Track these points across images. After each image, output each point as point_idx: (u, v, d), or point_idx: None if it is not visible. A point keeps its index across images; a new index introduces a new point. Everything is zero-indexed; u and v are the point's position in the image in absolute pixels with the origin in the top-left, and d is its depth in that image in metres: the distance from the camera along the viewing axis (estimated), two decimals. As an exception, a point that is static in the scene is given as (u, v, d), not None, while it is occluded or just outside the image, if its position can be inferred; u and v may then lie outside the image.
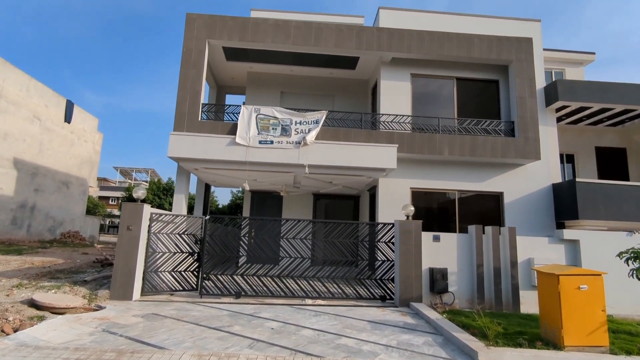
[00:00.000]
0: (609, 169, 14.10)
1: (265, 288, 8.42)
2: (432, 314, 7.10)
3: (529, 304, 8.22)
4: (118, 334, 5.25)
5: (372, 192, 12.07)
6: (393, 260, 8.60)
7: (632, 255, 7.01)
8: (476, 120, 11.48)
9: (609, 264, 7.57)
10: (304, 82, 13.88)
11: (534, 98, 11.48)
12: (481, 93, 12.36)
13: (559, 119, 13.00)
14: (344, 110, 13.26)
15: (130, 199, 32.49)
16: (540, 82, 12.37)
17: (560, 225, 11.24)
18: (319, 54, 11.73)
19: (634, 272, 6.77)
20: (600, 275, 5.96)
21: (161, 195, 32.87)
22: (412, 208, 8.81)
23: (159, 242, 8.15)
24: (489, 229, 8.62)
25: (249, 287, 8.37)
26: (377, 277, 8.65)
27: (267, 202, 14.06)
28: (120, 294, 7.42)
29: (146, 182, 56.50)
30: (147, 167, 62.81)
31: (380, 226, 8.85)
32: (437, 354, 5.35)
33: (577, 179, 10.66)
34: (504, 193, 11.41)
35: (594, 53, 14.94)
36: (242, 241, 8.69)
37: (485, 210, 11.56)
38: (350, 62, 12.59)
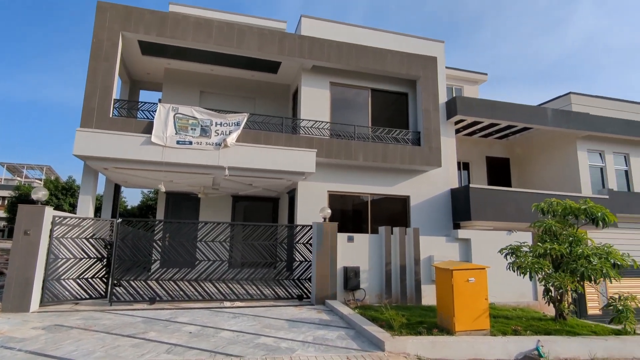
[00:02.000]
0: (497, 176, 16.29)
1: (181, 292, 8.24)
2: (345, 310, 7.64)
3: (430, 297, 9.23)
4: (16, 348, 4.82)
5: (292, 194, 12.42)
6: (310, 261, 9.01)
7: (510, 251, 8.32)
8: (388, 129, 12.47)
9: (493, 259, 8.79)
10: (224, 83, 13.73)
11: (437, 111, 12.84)
12: (393, 104, 13.45)
13: (457, 131, 14.68)
14: (265, 113, 13.41)
15: (23, 199, 28.70)
16: (443, 97, 13.84)
17: (457, 226, 12.72)
18: (241, 55, 11.74)
19: (511, 265, 8.05)
20: (484, 269, 6.98)
21: (60, 195, 29.59)
22: (329, 210, 9.33)
23: (62, 247, 7.52)
24: (396, 229, 9.48)
25: (164, 292, 8.12)
26: (295, 277, 8.99)
27: (183, 203, 13.61)
28: (15, 305, 6.72)
29: (40, 180, 50.21)
30: (42, 163, 55.83)
31: (298, 228, 9.20)
32: (349, 345, 5.83)
33: (471, 185, 12.19)
34: (410, 196, 12.57)
35: (486, 74, 17.13)
36: (157, 244, 8.40)
37: (394, 212, 12.62)
38: (272, 67, 12.79)
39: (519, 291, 9.78)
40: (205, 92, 13.64)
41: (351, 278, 9.03)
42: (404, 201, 12.72)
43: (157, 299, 7.97)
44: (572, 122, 13.74)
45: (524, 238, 9.63)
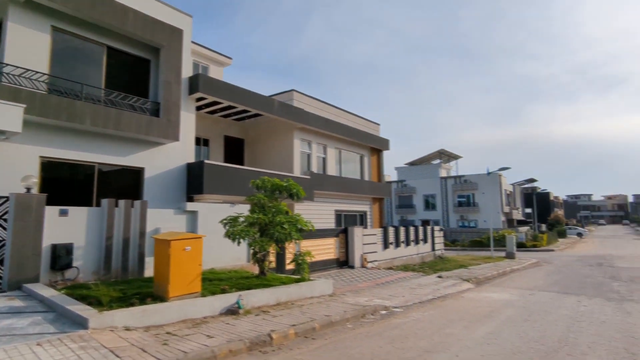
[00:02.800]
0: (233, 154, 17.87)
1: None
2: (48, 292, 6.89)
3: (153, 269, 9.42)
4: None
5: (-17, 157, 9.77)
6: (4, 240, 7.53)
7: (229, 221, 9.50)
8: (124, 95, 11.58)
9: (217, 229, 9.78)
10: None
11: (179, 85, 12.85)
12: (133, 69, 12.53)
13: (199, 108, 15.15)
14: (-60, 44, 9.86)
15: None
16: (187, 72, 13.91)
17: (191, 199, 13.29)
18: None
19: (228, 234, 9.22)
20: (200, 238, 7.76)
21: None
22: (35, 179, 8.01)
23: None
24: (122, 202, 9.13)
25: None
26: (-21, 261, 7.33)
27: None
28: None
29: None
30: None
31: (-13, 201, 7.48)
32: (45, 330, 5.39)
33: (205, 161, 12.97)
34: (145, 169, 12.21)
35: (231, 58, 18.28)
36: None
37: (126, 185, 11.97)
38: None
39: (236, 256, 11.33)
40: None
41: (61, 256, 8.12)
42: (137, 173, 12.22)
43: None
44: (292, 114, 16.64)
45: (244, 210, 11.16)
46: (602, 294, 11.56)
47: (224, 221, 9.44)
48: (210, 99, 14.29)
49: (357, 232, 16.63)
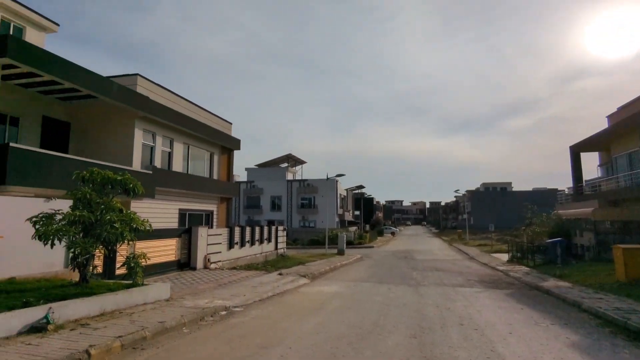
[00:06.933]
0: (53, 139, 14.95)
1: None
2: None
3: None
4: None
5: None
6: None
7: (41, 219, 7.89)
8: None
9: (25, 229, 7.94)
10: None
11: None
12: None
13: (6, 77, 12.19)
14: None
15: None
16: (-9, 31, 11.08)
17: (-14, 190, 10.58)
18: None
19: (39, 234, 7.63)
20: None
21: None
22: None
23: None
24: None
25: None
26: None
27: None
28: None
29: None
30: None
31: None
32: None
33: (11, 144, 10.51)
34: None
35: (58, 24, 15.37)
36: None
37: None
38: None
39: (48, 261, 9.51)
40: None
41: None
42: None
43: None
44: (133, 101, 14.88)
45: (64, 206, 9.45)
46: (405, 282, 14.09)
47: (35, 219, 7.82)
48: (25, 69, 11.65)
49: (202, 232, 15.97)
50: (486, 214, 69.13)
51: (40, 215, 7.94)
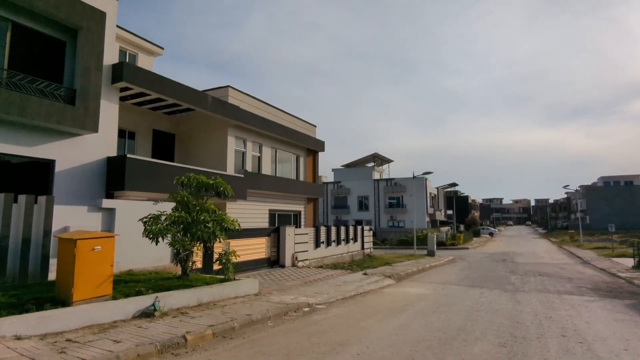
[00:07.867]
0: (162, 149, 16.99)
1: None
2: None
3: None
4: None
5: None
6: None
7: (150, 219, 9.01)
8: (32, 78, 10.50)
9: (138, 228, 9.19)
10: None
11: (99, 72, 11.92)
12: (44, 50, 11.40)
13: (124, 98, 14.20)
14: None
15: None
16: (112, 59, 12.96)
17: (110, 195, 12.40)
18: None
19: (147, 232, 8.72)
20: (112, 237, 7.28)
21: None
22: None
23: None
24: (22, 197, 8.28)
25: None
26: None
27: None
28: None
29: None
30: None
31: None
32: None
33: (128, 155, 12.18)
34: (57, 161, 11.17)
35: (162, 47, 17.40)
36: None
37: (32, 178, 10.85)
38: None
39: (157, 256, 10.78)
40: None
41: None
42: (47, 166, 11.13)
43: None
44: (226, 111, 16.22)
45: (169, 208, 10.64)
46: (501, 286, 12.84)
47: (145, 219, 8.95)
48: (137, 89, 13.46)
49: (289, 231, 16.66)
50: (605, 213, 60.53)
51: (149, 216, 9.04)
